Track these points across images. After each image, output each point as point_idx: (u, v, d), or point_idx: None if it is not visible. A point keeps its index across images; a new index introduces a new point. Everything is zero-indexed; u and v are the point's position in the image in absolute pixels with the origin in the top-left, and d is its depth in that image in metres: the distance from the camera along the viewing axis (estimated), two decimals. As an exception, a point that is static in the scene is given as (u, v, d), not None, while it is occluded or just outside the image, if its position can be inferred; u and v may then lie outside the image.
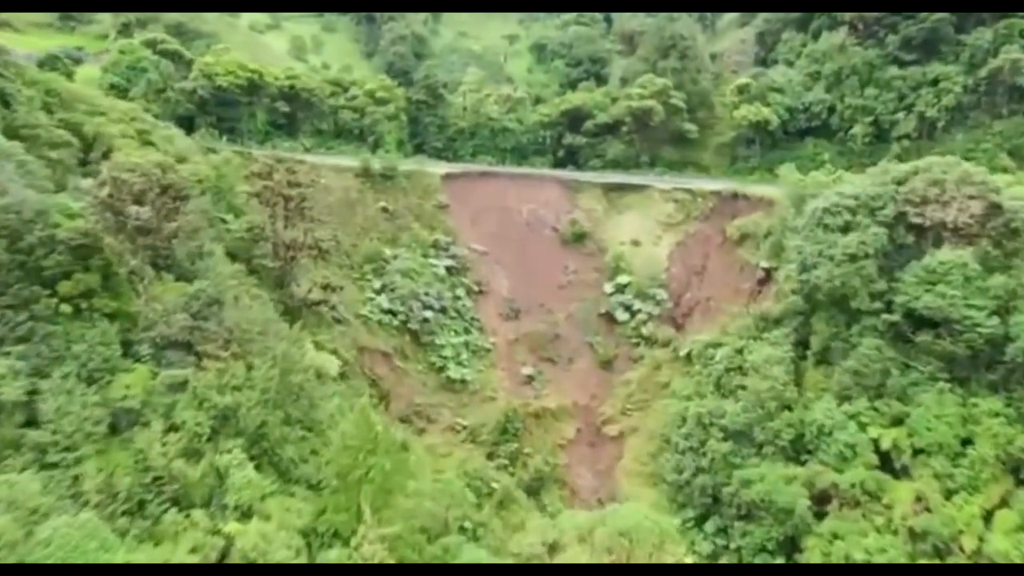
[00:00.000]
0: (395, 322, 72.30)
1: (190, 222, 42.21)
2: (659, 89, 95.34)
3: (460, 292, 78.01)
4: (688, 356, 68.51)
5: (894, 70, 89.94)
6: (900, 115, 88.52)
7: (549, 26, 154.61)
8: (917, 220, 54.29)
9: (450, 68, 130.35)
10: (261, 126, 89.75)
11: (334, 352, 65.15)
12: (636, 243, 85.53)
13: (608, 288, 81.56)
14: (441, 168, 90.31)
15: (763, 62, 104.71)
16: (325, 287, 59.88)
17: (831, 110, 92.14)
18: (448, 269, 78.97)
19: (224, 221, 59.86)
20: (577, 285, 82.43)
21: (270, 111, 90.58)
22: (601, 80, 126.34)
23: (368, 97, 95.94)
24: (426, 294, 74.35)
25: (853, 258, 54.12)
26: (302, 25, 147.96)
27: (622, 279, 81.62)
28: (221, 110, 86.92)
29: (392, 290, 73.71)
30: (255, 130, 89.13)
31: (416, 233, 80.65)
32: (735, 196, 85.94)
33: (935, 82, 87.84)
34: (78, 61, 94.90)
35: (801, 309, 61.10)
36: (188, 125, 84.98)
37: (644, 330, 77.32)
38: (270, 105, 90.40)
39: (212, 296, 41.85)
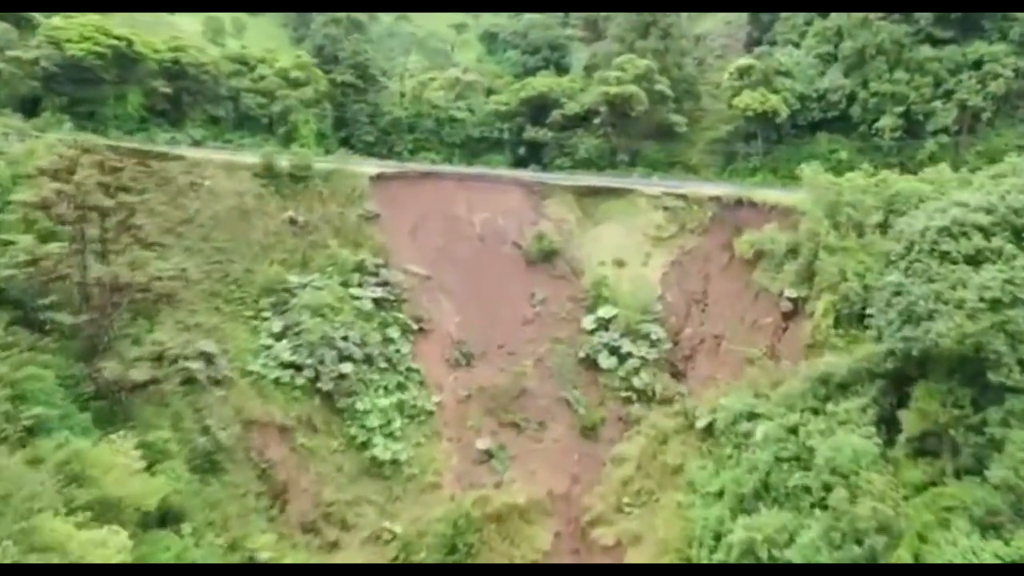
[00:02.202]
0: (300, 380, 48.96)
1: None
2: (641, 72, 73.37)
3: (393, 333, 54.73)
4: (709, 428, 46.41)
5: (927, 50, 69.31)
6: (937, 104, 67.89)
7: (500, 13, 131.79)
8: (1093, 247, 33.05)
9: (389, 55, 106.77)
10: (134, 111, 64.96)
11: (206, 434, 42.07)
12: (620, 263, 63.49)
13: (588, 323, 59.26)
14: (371, 167, 66.65)
15: (756, 43, 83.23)
16: (158, 358, 35.83)
17: (851, 98, 71.01)
18: (377, 302, 55.53)
19: (8, 243, 35.65)
20: (547, 319, 59.86)
21: (147, 92, 65.81)
22: (562, 69, 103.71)
23: (280, 78, 71.93)
24: (344, 338, 51.05)
25: (995, 305, 32.62)
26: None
27: (605, 311, 59.37)
28: (76, 89, 61.83)
29: (297, 334, 50.30)
30: (125, 116, 64.28)
31: (334, 253, 57.03)
32: (739, 202, 64.42)
33: (978, 65, 67.64)
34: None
35: (882, 371, 39.71)
36: (32, 107, 60.51)
37: (637, 381, 55.30)
38: (148, 85, 65.63)
39: None
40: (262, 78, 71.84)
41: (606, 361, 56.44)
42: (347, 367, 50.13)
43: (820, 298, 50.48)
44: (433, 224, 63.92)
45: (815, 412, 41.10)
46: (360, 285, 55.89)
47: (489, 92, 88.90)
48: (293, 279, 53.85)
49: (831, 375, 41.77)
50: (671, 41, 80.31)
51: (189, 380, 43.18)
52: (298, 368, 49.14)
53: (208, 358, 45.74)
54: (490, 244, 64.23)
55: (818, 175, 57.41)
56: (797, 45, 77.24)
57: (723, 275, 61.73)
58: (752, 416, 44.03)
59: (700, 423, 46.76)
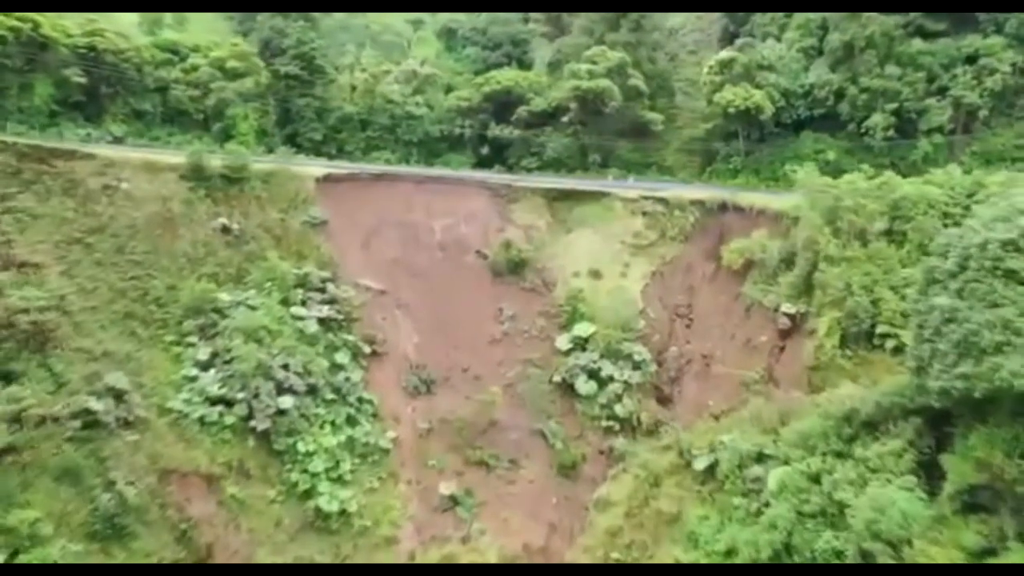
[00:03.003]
0: (230, 418, 40.68)
1: None
2: (614, 65, 66.29)
3: (342, 358, 46.68)
4: (710, 471, 39.28)
5: (919, 43, 63.57)
6: (931, 101, 62.06)
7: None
8: None
9: (342, 49, 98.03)
10: (42, 103, 55.66)
11: (110, 491, 33.83)
12: (596, 274, 56.51)
13: (563, 343, 52.03)
14: (318, 168, 58.47)
15: (733, 37, 76.70)
16: (17, 418, 27.35)
17: (839, 94, 64.75)
18: (323, 322, 47.41)
19: None
20: (517, 338, 52.46)
21: (59, 83, 56.55)
22: (524, 65, 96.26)
23: (215, 68, 63.06)
24: (284, 366, 42.92)
25: (1077, 337, 26.05)
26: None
27: (581, 328, 52.21)
28: (-28, 77, 52.68)
29: (227, 362, 42.05)
30: (32, 108, 54.99)
31: (273, 266, 48.61)
32: (723, 207, 57.97)
33: (973, 59, 62.09)
34: None
35: (917, 407, 32.97)
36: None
37: (619, 408, 48.33)
38: (59, 74, 56.37)
39: None
40: (195, 68, 63.01)
41: (584, 386, 49.25)
42: (287, 401, 41.99)
43: (822, 314, 44.55)
44: (388, 232, 56.05)
45: (839, 456, 34.16)
46: (303, 303, 47.74)
47: (448, 89, 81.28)
48: (224, 297, 45.47)
49: (856, 411, 34.86)
50: (643, 34, 73.69)
51: (91, 424, 34.89)
52: (228, 404, 40.89)
53: (117, 395, 37.34)
54: (452, 254, 56.64)
55: (812, 177, 51.41)
56: (777, 39, 70.92)
57: (709, 287, 55.31)
58: (761, 457, 37.09)
59: (699, 464, 39.55)
